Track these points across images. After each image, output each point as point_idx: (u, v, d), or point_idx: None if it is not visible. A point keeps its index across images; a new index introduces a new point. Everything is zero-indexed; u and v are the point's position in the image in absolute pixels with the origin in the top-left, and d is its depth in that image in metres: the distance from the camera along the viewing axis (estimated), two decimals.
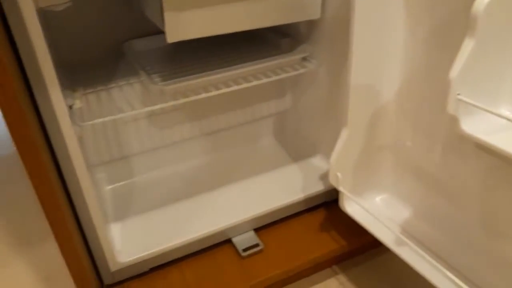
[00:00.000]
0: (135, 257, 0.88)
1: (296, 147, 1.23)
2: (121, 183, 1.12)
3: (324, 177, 1.08)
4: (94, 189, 0.78)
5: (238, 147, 1.25)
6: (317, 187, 1.05)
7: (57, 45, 1.03)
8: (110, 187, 1.11)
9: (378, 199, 0.97)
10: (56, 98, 0.68)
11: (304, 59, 1.04)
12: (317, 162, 1.14)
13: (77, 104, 0.89)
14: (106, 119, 0.86)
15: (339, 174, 0.88)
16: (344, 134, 0.85)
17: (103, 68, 1.04)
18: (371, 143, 0.89)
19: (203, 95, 0.91)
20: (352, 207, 0.93)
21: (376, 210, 0.94)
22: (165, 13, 0.78)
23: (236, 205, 1.02)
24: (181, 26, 0.80)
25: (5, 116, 0.57)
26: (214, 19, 0.82)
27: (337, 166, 0.88)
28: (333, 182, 0.90)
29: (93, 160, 1.07)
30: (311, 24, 1.01)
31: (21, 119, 0.59)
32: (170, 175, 1.15)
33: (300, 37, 1.06)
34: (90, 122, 0.84)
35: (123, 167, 1.11)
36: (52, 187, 0.64)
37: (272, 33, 1.12)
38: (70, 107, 0.88)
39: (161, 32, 0.82)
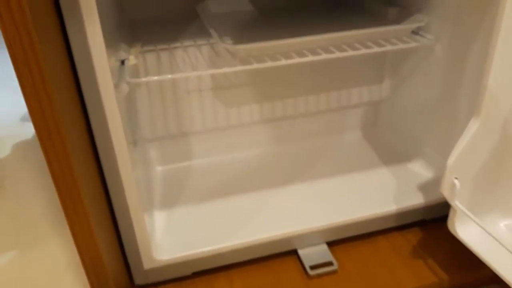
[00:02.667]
0: (176, 256, 0.70)
1: (390, 147, 0.99)
2: (176, 165, 0.96)
3: (425, 188, 0.84)
4: (132, 167, 0.61)
5: (316, 139, 1.03)
6: (414, 200, 0.81)
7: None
8: (162, 167, 0.95)
9: (503, 225, 0.71)
10: (93, 34, 0.52)
11: (415, 32, 0.81)
12: (417, 169, 0.90)
13: (131, 60, 0.74)
14: (161, 77, 0.69)
15: (456, 182, 0.64)
16: (472, 127, 0.61)
17: (170, 27, 0.89)
18: (509, 146, 0.64)
19: (283, 62, 0.71)
20: (468, 229, 0.68)
21: (500, 239, 0.68)
22: None
23: (307, 209, 0.81)
24: None
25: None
26: None
27: (455, 170, 0.64)
28: (445, 192, 0.66)
29: (146, 134, 0.91)
30: None
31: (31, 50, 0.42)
32: (232, 162, 0.96)
33: (413, 6, 0.84)
34: (143, 79, 0.68)
35: (179, 147, 0.95)
36: (67, 156, 0.47)
37: (375, 1, 0.90)
38: (122, 62, 0.73)
39: None
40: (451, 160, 0.63)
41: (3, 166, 1.14)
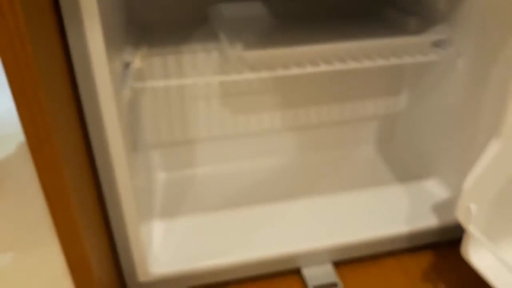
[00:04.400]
0: (173, 269, 0.67)
1: (404, 163, 0.95)
2: (179, 172, 0.92)
3: (439, 209, 0.80)
4: (130, 176, 0.58)
5: (327, 151, 0.99)
6: (427, 221, 0.77)
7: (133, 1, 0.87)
8: (164, 174, 0.92)
9: None
10: (93, 38, 0.49)
11: (436, 44, 0.77)
12: (431, 188, 0.85)
13: (137, 63, 0.72)
14: (167, 82, 0.66)
15: (473, 206, 0.60)
16: (493, 148, 0.57)
17: (179, 31, 0.86)
18: None
19: (294, 71, 0.68)
20: (482, 256, 0.64)
21: None
22: None
23: (314, 226, 0.77)
24: None
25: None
26: None
27: (471, 194, 0.60)
28: (460, 216, 0.62)
29: (150, 140, 0.88)
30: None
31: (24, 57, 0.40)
32: (238, 172, 0.92)
33: (435, 16, 0.80)
34: (148, 84, 0.65)
35: (184, 153, 0.92)
36: (57, 165, 0.45)
37: (395, 10, 0.86)
38: (127, 65, 0.71)
39: None
40: (467, 184, 0.59)
41: (5, 165, 1.13)
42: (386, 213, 0.80)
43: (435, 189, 0.85)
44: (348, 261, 0.76)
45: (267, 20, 0.88)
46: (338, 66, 0.68)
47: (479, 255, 0.64)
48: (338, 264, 0.76)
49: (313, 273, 0.73)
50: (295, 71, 0.68)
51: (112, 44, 0.59)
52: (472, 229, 0.61)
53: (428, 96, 0.86)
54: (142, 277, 0.66)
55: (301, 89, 0.91)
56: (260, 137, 0.94)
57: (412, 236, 0.77)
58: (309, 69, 0.68)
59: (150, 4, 0.88)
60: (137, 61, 0.71)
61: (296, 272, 0.74)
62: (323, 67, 0.68)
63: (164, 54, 0.78)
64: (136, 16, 0.89)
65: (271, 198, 0.84)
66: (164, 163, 0.91)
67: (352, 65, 0.69)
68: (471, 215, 0.60)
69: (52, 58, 0.46)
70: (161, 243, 0.73)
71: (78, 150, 0.52)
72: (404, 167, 0.94)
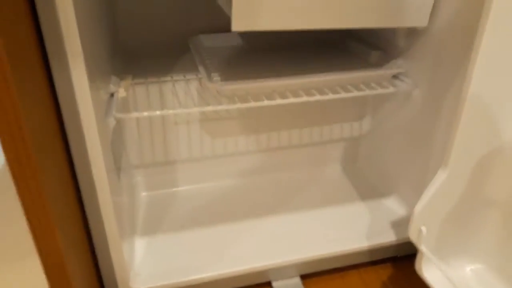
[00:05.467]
0: (152, 285, 0.73)
1: (367, 182, 1.03)
2: (161, 191, 0.98)
3: (398, 225, 0.87)
4: (112, 195, 0.64)
5: (296, 171, 1.06)
6: (387, 237, 0.84)
7: (119, 28, 0.93)
8: (147, 193, 0.97)
9: (469, 269, 0.74)
10: (78, 77, 0.55)
11: (395, 76, 0.85)
12: (391, 205, 0.93)
13: (121, 92, 0.77)
14: (149, 113, 0.72)
15: (423, 229, 0.68)
16: (440, 177, 0.65)
17: (162, 60, 0.92)
18: (475, 195, 0.68)
19: (265, 103, 0.74)
20: (433, 273, 0.71)
21: (464, 284, 0.71)
22: None
23: (283, 241, 0.84)
24: (251, 12, 0.65)
25: None
26: (296, 9, 0.66)
27: (422, 217, 0.68)
28: (412, 237, 0.70)
29: (133, 160, 0.94)
30: (412, 35, 0.81)
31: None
32: (215, 191, 0.99)
33: (394, 50, 0.87)
34: (127, 115, 0.71)
35: (165, 174, 0.98)
36: (38, 185, 0.49)
37: (358, 43, 0.94)
38: (112, 94, 0.76)
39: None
40: (418, 208, 0.66)
41: None
42: (350, 229, 0.87)
43: (394, 206, 0.92)
44: (315, 274, 0.83)
45: (242, 49, 0.95)
46: (305, 99, 0.75)
47: (430, 271, 0.71)
48: (305, 277, 0.82)
49: (282, 286, 0.80)
50: (265, 103, 0.74)
51: (97, 76, 0.64)
52: (423, 249, 0.69)
53: (389, 121, 0.94)
54: None
55: (274, 115, 0.99)
56: (236, 158, 1.00)
57: (373, 251, 0.84)
58: (278, 101, 0.75)
59: (135, 34, 0.94)
60: (122, 90, 0.77)
61: (267, 285, 0.81)
62: (292, 99, 0.75)
63: (147, 83, 0.83)
64: (122, 44, 0.95)
65: (245, 215, 0.91)
66: (147, 183, 0.97)
67: (318, 97, 0.76)
68: (422, 237, 0.68)
69: (36, 91, 0.50)
70: (142, 259, 0.78)
71: (60, 171, 0.57)
72: (367, 185, 1.02)
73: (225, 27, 0.97)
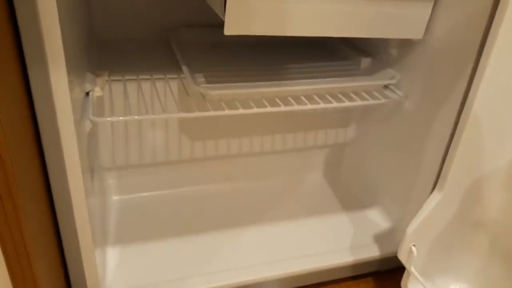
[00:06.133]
0: None
1: (350, 191, 1.01)
2: (135, 195, 0.92)
3: (381, 239, 0.85)
4: (86, 200, 0.58)
5: (278, 177, 1.02)
6: (370, 251, 0.82)
7: (94, 19, 0.85)
8: (118, 197, 0.91)
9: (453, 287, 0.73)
10: (57, 79, 0.49)
11: (386, 86, 0.82)
12: (374, 217, 0.91)
13: (97, 91, 0.71)
14: (126, 118, 0.66)
15: (413, 249, 0.66)
16: (434, 198, 0.63)
17: (140, 54, 0.86)
18: (465, 217, 0.66)
19: (254, 110, 0.70)
20: None
21: None
22: None
23: (263, 254, 0.80)
24: (245, 17, 0.60)
25: None
26: (290, 16, 0.62)
27: (413, 237, 0.66)
28: (402, 257, 0.68)
29: (105, 162, 0.87)
30: (406, 46, 0.79)
31: None
32: (193, 197, 0.94)
33: (386, 59, 0.85)
34: (104, 119, 0.65)
35: (139, 177, 0.91)
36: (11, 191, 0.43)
37: (349, 48, 0.91)
38: (87, 93, 0.70)
39: (217, 24, 0.63)
40: (410, 229, 0.64)
41: None
42: (332, 242, 0.84)
43: (377, 219, 0.90)
44: None
45: (225, 46, 0.90)
46: (296, 107, 0.71)
47: None
48: None
49: None
50: (254, 110, 0.70)
51: (73, 74, 0.58)
52: (413, 270, 0.67)
53: (375, 131, 0.91)
54: None
55: (257, 119, 0.94)
56: (215, 163, 0.96)
57: (355, 266, 0.82)
58: (268, 109, 0.70)
59: (112, 24, 0.87)
60: (98, 89, 0.71)
61: None
62: (281, 108, 0.71)
63: (124, 81, 0.77)
64: (97, 34, 0.87)
65: (224, 223, 0.86)
66: (119, 186, 0.90)
67: (308, 106, 0.72)
68: (413, 258, 0.66)
69: (9, 93, 0.44)
70: (114, 271, 0.73)
71: (34, 176, 0.51)
72: (350, 194, 0.99)
73: (207, 20, 0.92)
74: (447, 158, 0.60)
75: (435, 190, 0.63)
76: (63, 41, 0.48)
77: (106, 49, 0.85)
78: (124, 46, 0.88)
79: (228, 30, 0.61)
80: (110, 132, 0.84)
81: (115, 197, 0.90)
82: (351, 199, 0.97)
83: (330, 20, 0.65)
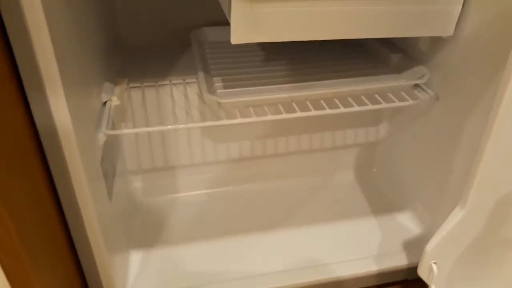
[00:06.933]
0: None
1: (381, 193, 0.96)
2: (159, 197, 0.93)
3: (411, 246, 0.81)
4: (95, 207, 0.58)
5: (307, 178, 0.99)
6: (398, 260, 0.78)
7: (119, 25, 0.86)
8: (145, 200, 0.92)
9: None
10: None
11: (416, 85, 0.77)
12: (405, 221, 0.87)
13: (115, 101, 0.72)
14: (133, 130, 0.66)
15: (434, 267, 0.61)
16: (456, 216, 0.58)
17: (162, 56, 0.86)
18: (492, 235, 0.61)
19: (269, 117, 0.68)
20: None
21: None
22: (232, 3, 0.56)
23: (288, 260, 0.79)
24: (251, 24, 0.57)
25: None
26: (303, 19, 0.59)
27: (434, 254, 0.61)
28: (422, 274, 0.64)
29: (131, 166, 0.89)
30: (437, 43, 0.73)
31: None
32: (218, 199, 0.93)
33: (417, 55, 0.79)
34: (118, 132, 0.66)
35: (165, 179, 0.92)
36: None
37: (379, 43, 0.85)
38: (105, 103, 0.71)
39: None
40: (430, 247, 0.60)
41: None
42: (359, 248, 0.81)
43: (408, 223, 0.86)
44: None
45: (248, 45, 0.87)
46: (312, 113, 0.68)
47: None
48: None
49: None
50: (269, 117, 0.68)
51: (90, 82, 0.59)
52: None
53: (406, 130, 0.86)
54: None
55: (282, 119, 0.91)
56: (241, 163, 0.95)
57: (382, 275, 0.78)
58: (284, 115, 0.68)
59: (136, 29, 0.88)
60: (115, 98, 0.72)
61: None
62: (297, 114, 0.68)
63: (143, 87, 0.77)
64: (123, 41, 0.89)
65: (251, 226, 0.86)
66: (145, 189, 0.92)
67: (328, 111, 0.69)
68: (434, 275, 0.62)
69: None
70: (137, 275, 0.75)
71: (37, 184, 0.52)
72: (381, 196, 0.94)
73: None
74: (470, 171, 0.55)
75: (458, 206, 0.58)
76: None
77: (130, 55, 0.86)
78: (148, 50, 0.88)
79: (235, 39, 0.59)
80: (134, 137, 0.86)
81: (141, 200, 0.92)
82: (382, 202, 0.93)
83: (351, 22, 0.61)
